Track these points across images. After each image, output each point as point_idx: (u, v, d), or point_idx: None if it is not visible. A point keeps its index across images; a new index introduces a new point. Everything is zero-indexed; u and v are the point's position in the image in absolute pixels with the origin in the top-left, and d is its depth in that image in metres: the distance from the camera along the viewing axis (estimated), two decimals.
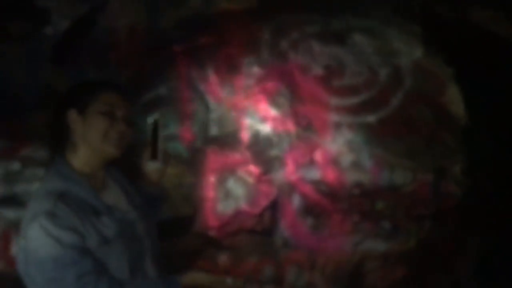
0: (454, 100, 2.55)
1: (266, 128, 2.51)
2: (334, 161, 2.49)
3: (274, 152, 2.50)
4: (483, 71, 2.52)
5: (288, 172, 2.49)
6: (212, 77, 2.53)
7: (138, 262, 1.34)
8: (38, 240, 1.19)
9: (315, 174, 2.48)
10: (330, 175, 2.49)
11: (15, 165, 2.37)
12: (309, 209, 2.48)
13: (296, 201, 2.48)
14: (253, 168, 2.48)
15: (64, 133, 1.35)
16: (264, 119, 2.52)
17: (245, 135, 2.51)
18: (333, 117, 2.51)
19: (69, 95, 1.40)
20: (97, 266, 1.24)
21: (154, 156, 1.55)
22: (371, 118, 2.52)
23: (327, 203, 2.48)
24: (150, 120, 1.56)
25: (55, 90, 2.43)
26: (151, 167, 1.56)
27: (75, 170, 1.33)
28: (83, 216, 1.26)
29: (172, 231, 2.30)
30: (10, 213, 2.31)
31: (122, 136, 1.37)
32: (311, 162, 2.49)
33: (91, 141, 1.33)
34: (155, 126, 1.56)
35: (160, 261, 1.45)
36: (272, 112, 2.52)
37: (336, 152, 2.50)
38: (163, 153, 1.56)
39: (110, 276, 1.25)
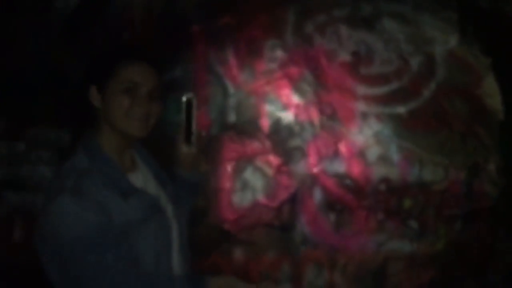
0: (491, 93, 2.43)
1: (288, 116, 2.41)
2: (359, 154, 2.39)
3: (295, 142, 2.40)
4: None
5: (310, 163, 2.40)
6: (232, 60, 2.43)
7: (165, 253, 1.24)
8: (61, 217, 1.09)
9: (339, 167, 2.38)
10: (355, 169, 2.39)
11: (20, 146, 2.27)
12: (331, 204, 2.38)
13: (317, 195, 2.39)
14: (273, 158, 2.39)
15: (88, 111, 1.25)
16: (286, 107, 2.42)
17: (265, 123, 2.41)
18: (360, 106, 2.42)
19: (89, 69, 1.28)
20: (122, 252, 1.13)
21: (188, 140, 1.46)
22: (400, 109, 2.41)
23: (350, 199, 2.38)
24: (183, 99, 1.46)
25: (65, 69, 2.32)
26: (185, 150, 1.46)
27: (102, 148, 1.22)
28: (109, 195, 1.15)
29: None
30: (13, 197, 2.22)
31: (146, 115, 1.23)
32: (335, 154, 2.39)
33: (112, 121, 1.21)
34: (188, 106, 1.47)
35: (187, 255, 1.36)
36: (295, 99, 2.42)
37: (362, 144, 2.40)
38: (196, 136, 1.48)
39: (137, 265, 1.15)
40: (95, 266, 1.08)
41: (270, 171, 2.38)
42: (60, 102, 2.22)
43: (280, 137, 2.40)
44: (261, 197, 2.37)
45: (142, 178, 1.28)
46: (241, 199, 2.37)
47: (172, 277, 1.23)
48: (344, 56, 2.44)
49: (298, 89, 2.42)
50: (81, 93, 1.24)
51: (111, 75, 1.20)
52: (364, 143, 2.38)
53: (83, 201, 1.10)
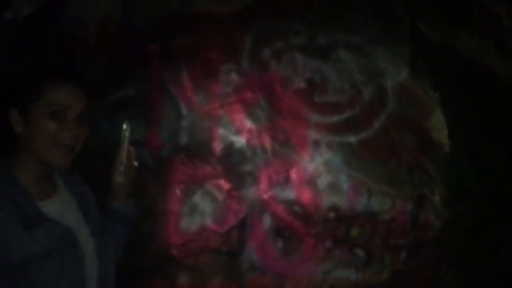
0: (438, 126, 2.49)
1: (240, 141, 2.39)
2: (310, 182, 2.40)
3: (247, 167, 2.39)
4: (468, 99, 2.49)
5: (260, 189, 2.38)
6: (187, 82, 2.40)
7: (76, 286, 1.13)
8: None
9: (289, 193, 2.38)
10: (305, 196, 2.39)
11: None
12: (280, 231, 2.37)
13: (267, 221, 2.37)
14: (223, 183, 2.36)
15: (7, 135, 1.12)
16: (238, 131, 2.40)
17: (217, 147, 2.38)
18: (312, 134, 2.43)
19: (10, 90, 1.13)
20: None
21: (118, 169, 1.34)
22: (352, 139, 2.45)
23: (299, 226, 2.38)
24: (123, 126, 1.33)
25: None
26: (118, 180, 1.33)
27: (14, 174, 1.11)
28: (10, 226, 1.04)
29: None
30: None
31: (74, 141, 1.12)
32: (286, 181, 2.39)
33: (35, 148, 1.10)
34: (126, 133, 1.34)
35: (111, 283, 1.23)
36: (248, 123, 2.41)
37: (312, 172, 2.41)
38: (128, 166, 1.34)
39: None
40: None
41: (220, 196, 2.36)
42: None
43: (232, 161, 2.38)
44: (209, 222, 2.33)
45: (59, 206, 1.17)
46: (189, 223, 2.32)
47: None
48: (299, 84, 2.45)
49: (252, 114, 2.41)
50: (0, 116, 1.12)
51: (35, 97, 1.08)
52: (315, 170, 2.39)
53: None
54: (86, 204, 1.25)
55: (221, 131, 2.39)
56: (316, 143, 2.41)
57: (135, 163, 1.34)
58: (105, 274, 1.20)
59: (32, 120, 1.09)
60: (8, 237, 1.02)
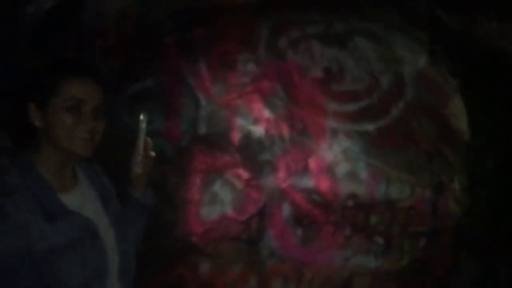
0: (457, 113, 2.47)
1: (258, 130, 2.39)
2: (328, 170, 2.39)
3: (265, 156, 2.39)
4: (487, 85, 2.46)
5: (279, 178, 2.38)
6: (204, 72, 2.41)
7: (97, 281, 1.16)
8: None
9: (307, 182, 2.38)
10: (324, 184, 2.38)
11: None
12: (299, 219, 2.37)
13: (286, 209, 2.37)
14: (242, 172, 2.37)
15: (27, 129, 1.16)
16: (257, 120, 2.40)
17: (236, 136, 2.39)
18: (330, 123, 2.42)
19: (28, 85, 1.18)
20: (42, 279, 1.06)
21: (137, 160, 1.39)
22: (369, 127, 2.43)
23: (318, 214, 2.37)
24: (140, 117, 1.37)
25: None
26: (137, 170, 1.37)
27: (37, 168, 1.15)
28: (32, 218, 1.08)
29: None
30: None
31: (91, 134, 1.16)
32: (304, 169, 2.38)
33: (55, 140, 1.15)
34: (142, 124, 1.38)
35: (131, 281, 1.27)
36: (266, 113, 2.41)
37: (331, 160, 2.40)
38: (146, 157, 1.39)
39: None
40: None
41: (239, 185, 2.37)
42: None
43: (250, 151, 2.38)
44: (229, 211, 2.34)
45: (80, 198, 1.20)
46: (209, 212, 2.33)
47: None
48: (316, 72, 2.45)
49: (269, 104, 2.41)
50: (19, 110, 1.16)
51: (52, 92, 1.13)
52: (333, 159, 2.38)
53: (3, 224, 1.04)
54: (106, 195, 1.28)
55: (239, 121, 2.39)
56: (334, 132, 2.41)
57: (152, 154, 1.37)
58: (125, 264, 1.24)
59: (50, 114, 1.13)
60: (31, 229, 1.06)
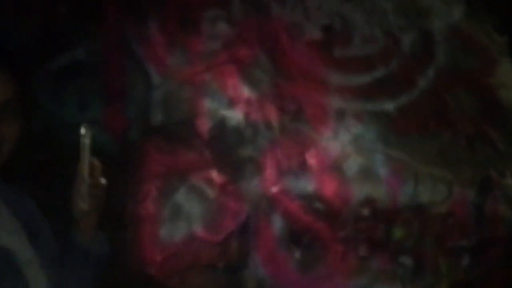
0: (507, 83, 2.15)
1: (235, 115, 2.04)
2: (334, 167, 2.02)
3: (246, 151, 2.03)
4: None
5: (266, 181, 2.02)
6: (157, 36, 2.04)
7: None
8: None
9: (306, 185, 2.02)
10: (328, 187, 2.01)
11: None
12: (296, 236, 2.01)
13: (277, 224, 2.01)
14: (215, 174, 2.01)
15: None
16: (233, 102, 2.05)
17: (204, 125, 2.03)
18: (334, 102, 2.07)
19: None
20: None
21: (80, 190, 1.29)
22: (388, 106, 2.07)
23: (322, 228, 2.01)
24: (82, 130, 1.27)
25: None
26: (82, 206, 1.28)
27: None
28: None
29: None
30: None
31: None
32: (301, 168, 2.03)
33: None
34: (85, 140, 1.27)
35: None
36: (245, 91, 2.06)
37: (337, 154, 2.03)
38: (94, 184, 1.30)
39: None
40: None
41: (211, 192, 2.02)
42: None
43: (225, 144, 2.04)
44: (198, 229, 1.99)
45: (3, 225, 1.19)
46: (171, 232, 1.98)
47: None
48: (313, 33, 2.11)
49: (249, 78, 2.07)
50: None
51: None
52: (340, 152, 2.04)
53: None
54: (34, 227, 1.26)
55: (208, 103, 2.04)
56: (340, 114, 2.06)
57: (103, 181, 1.32)
58: None
59: None
60: None
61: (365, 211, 2.01)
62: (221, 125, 2.03)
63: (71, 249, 1.31)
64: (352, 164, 2.02)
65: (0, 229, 1.18)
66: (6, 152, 1.16)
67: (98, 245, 1.36)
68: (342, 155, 2.02)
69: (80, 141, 1.25)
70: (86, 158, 1.25)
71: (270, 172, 2.01)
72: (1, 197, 1.23)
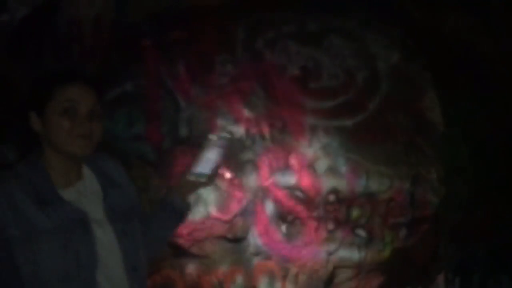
0: (432, 106, 2.54)
1: (239, 130, 2.43)
2: (309, 166, 2.44)
3: (247, 155, 2.43)
4: (459, 77, 2.54)
5: (261, 176, 2.43)
6: (183, 74, 2.43)
7: (86, 270, 1.17)
8: None
9: (289, 179, 2.43)
10: (305, 181, 2.43)
11: None
12: (283, 215, 2.41)
13: (269, 207, 2.42)
14: (225, 172, 2.37)
15: (32, 136, 1.23)
16: (237, 120, 2.44)
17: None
18: (309, 120, 2.47)
19: (27, 95, 1.26)
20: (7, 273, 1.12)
21: (213, 175, 1.41)
22: (347, 122, 2.48)
23: (301, 210, 2.42)
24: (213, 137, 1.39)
25: (10, 83, 2.25)
26: (192, 178, 1.40)
27: (42, 163, 1.22)
28: (21, 203, 1.15)
29: None
30: None
31: (88, 135, 1.20)
32: (286, 167, 2.43)
33: (54, 143, 1.21)
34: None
35: (143, 276, 1.29)
36: (246, 113, 2.45)
37: (311, 157, 2.45)
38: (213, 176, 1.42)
39: (35, 275, 1.12)
40: None
41: (222, 184, 2.39)
42: (2, 117, 2.15)
43: (232, 150, 2.37)
44: (213, 210, 2.37)
45: (78, 192, 1.24)
46: (193, 213, 2.32)
47: None
48: (293, 71, 2.49)
49: (249, 103, 2.45)
50: (21, 120, 1.24)
51: (47, 98, 1.20)
52: (313, 155, 2.43)
53: None
54: (110, 186, 1.30)
55: (220, 121, 2.42)
56: (313, 128, 2.45)
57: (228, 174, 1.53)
58: (131, 259, 1.25)
59: (48, 118, 1.20)
60: (16, 211, 1.13)
61: (332, 198, 2.42)
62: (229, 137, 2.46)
63: (166, 204, 1.42)
64: (322, 164, 2.43)
65: (83, 197, 1.23)
66: (95, 142, 1.21)
67: (184, 206, 1.44)
68: (314, 158, 2.43)
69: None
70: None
71: (264, 170, 2.41)
72: (92, 168, 1.29)
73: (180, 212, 1.45)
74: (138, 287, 1.26)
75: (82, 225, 1.19)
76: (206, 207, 2.38)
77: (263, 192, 2.42)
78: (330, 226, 2.43)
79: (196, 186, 1.45)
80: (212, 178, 1.42)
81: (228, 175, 2.30)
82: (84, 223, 1.19)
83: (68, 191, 1.22)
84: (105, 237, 1.22)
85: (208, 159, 1.36)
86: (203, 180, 1.39)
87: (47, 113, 1.20)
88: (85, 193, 1.25)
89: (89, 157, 1.26)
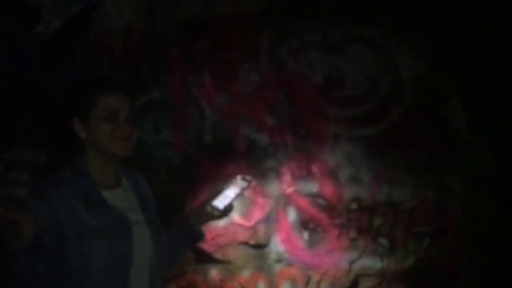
0: (456, 115, 2.53)
1: (262, 138, 2.46)
2: (332, 174, 2.45)
3: (270, 163, 2.45)
4: (485, 86, 2.52)
5: (284, 184, 2.45)
6: (208, 83, 2.48)
7: (123, 266, 1.27)
8: None
9: (312, 187, 2.44)
10: (328, 189, 2.45)
11: None
12: (305, 223, 2.43)
13: (291, 214, 2.43)
14: (249, 179, 2.41)
15: (74, 141, 1.32)
16: (260, 128, 2.47)
17: (241, 144, 2.46)
18: (332, 128, 2.48)
19: (68, 102, 1.35)
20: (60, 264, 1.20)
21: (223, 210, 1.50)
22: (370, 131, 2.49)
23: (323, 218, 2.44)
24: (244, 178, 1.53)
25: (45, 91, 2.33)
26: (208, 210, 1.49)
27: (86, 167, 1.32)
28: (72, 205, 1.24)
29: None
30: None
31: (128, 137, 1.31)
32: (308, 174, 2.45)
33: (98, 146, 1.30)
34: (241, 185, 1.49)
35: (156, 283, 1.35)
36: (269, 121, 2.48)
37: (334, 165, 2.46)
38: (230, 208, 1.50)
39: (86, 272, 1.22)
40: (24, 267, 1.17)
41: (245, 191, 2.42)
42: (37, 123, 2.21)
43: (255, 158, 2.45)
44: (236, 217, 2.40)
45: (119, 196, 1.33)
46: None
47: None
48: (317, 80, 2.51)
49: (272, 112, 2.48)
50: (64, 124, 1.32)
51: (91, 106, 1.29)
52: (336, 163, 2.45)
53: (44, 203, 1.20)
54: (146, 201, 1.41)
55: (243, 129, 2.46)
56: (336, 137, 2.47)
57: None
58: (155, 264, 1.34)
59: (91, 124, 1.29)
60: (69, 214, 1.22)
61: (354, 206, 2.42)
62: (252, 144, 2.44)
63: (187, 226, 1.49)
64: (345, 173, 2.45)
65: (124, 201, 1.32)
66: (133, 144, 1.30)
67: (198, 231, 1.52)
68: (337, 166, 2.44)
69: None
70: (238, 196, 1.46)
71: (287, 178, 2.43)
72: (128, 178, 1.38)
73: (195, 237, 1.53)
74: None
75: (125, 226, 1.29)
76: (230, 214, 2.40)
77: (286, 199, 2.44)
78: (352, 234, 2.43)
79: (209, 217, 1.53)
80: (225, 214, 1.50)
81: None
82: (126, 225, 1.29)
83: (110, 194, 1.31)
84: (141, 239, 1.32)
85: (226, 196, 1.45)
86: (216, 214, 1.47)
87: (91, 119, 1.28)
88: (124, 198, 1.34)
89: (126, 171, 1.39)
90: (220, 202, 1.46)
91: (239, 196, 1.46)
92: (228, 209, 1.51)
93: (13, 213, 1.11)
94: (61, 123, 1.33)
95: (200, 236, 1.54)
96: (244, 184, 1.47)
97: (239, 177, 1.48)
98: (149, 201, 1.42)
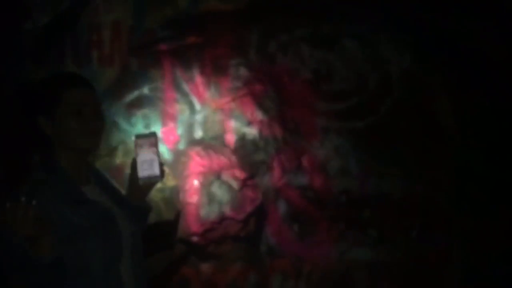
0: (443, 109, 2.53)
1: (252, 132, 2.47)
2: (321, 167, 2.46)
3: (260, 157, 2.46)
4: (472, 82, 2.53)
5: (274, 177, 2.46)
6: (198, 78, 2.48)
7: (114, 261, 1.26)
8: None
9: (301, 179, 2.45)
10: (317, 181, 2.46)
11: None
12: (295, 215, 2.44)
13: (282, 207, 2.45)
14: (238, 173, 2.44)
15: (41, 138, 1.30)
16: (250, 122, 2.48)
17: (231, 138, 2.47)
18: (321, 122, 2.49)
19: (32, 100, 1.31)
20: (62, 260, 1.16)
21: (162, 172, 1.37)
22: (359, 125, 2.50)
23: (313, 210, 2.45)
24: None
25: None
26: (146, 181, 1.36)
27: (60, 165, 1.29)
28: (58, 206, 1.21)
29: (156, 238, 2.26)
30: None
31: (95, 131, 1.31)
32: (298, 168, 2.46)
33: (66, 142, 1.30)
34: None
35: (141, 275, 1.35)
36: (259, 115, 2.48)
37: (323, 158, 2.47)
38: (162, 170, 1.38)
39: (86, 270, 1.20)
40: (26, 271, 1.13)
41: (236, 185, 2.43)
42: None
43: (245, 152, 2.45)
44: (227, 210, 2.41)
45: (96, 192, 1.32)
46: (208, 212, 2.41)
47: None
48: (306, 74, 2.51)
49: (262, 106, 2.49)
50: (29, 123, 1.30)
51: (56, 103, 1.27)
52: (325, 156, 2.46)
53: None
54: (118, 194, 1.40)
55: (233, 123, 2.47)
56: (325, 130, 2.48)
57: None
58: (136, 256, 1.33)
59: (58, 121, 1.28)
60: (57, 214, 1.19)
61: (343, 198, 2.43)
62: (242, 138, 2.44)
63: (130, 207, 1.38)
64: (334, 165, 2.45)
65: (100, 196, 1.30)
66: (100, 137, 1.30)
67: (144, 204, 1.44)
68: (326, 159, 2.45)
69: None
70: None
71: (276, 171, 2.44)
72: (95, 176, 1.38)
73: (145, 211, 1.47)
74: (141, 280, 1.34)
75: (111, 220, 1.28)
76: (220, 207, 2.43)
77: (276, 193, 2.45)
78: (342, 226, 2.44)
79: (149, 187, 1.43)
80: (161, 174, 1.37)
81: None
82: (112, 218, 1.28)
83: (88, 190, 1.30)
84: (125, 232, 1.30)
85: (146, 161, 1.33)
86: (154, 180, 1.36)
87: (56, 115, 1.27)
88: (100, 194, 1.33)
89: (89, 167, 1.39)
90: (147, 169, 1.32)
91: (157, 152, 1.32)
92: (161, 168, 1.36)
93: (37, 231, 1.07)
94: (26, 122, 1.31)
95: (146, 209, 1.46)
96: (152, 139, 1.32)
97: (137, 140, 1.32)
98: (121, 194, 1.41)
